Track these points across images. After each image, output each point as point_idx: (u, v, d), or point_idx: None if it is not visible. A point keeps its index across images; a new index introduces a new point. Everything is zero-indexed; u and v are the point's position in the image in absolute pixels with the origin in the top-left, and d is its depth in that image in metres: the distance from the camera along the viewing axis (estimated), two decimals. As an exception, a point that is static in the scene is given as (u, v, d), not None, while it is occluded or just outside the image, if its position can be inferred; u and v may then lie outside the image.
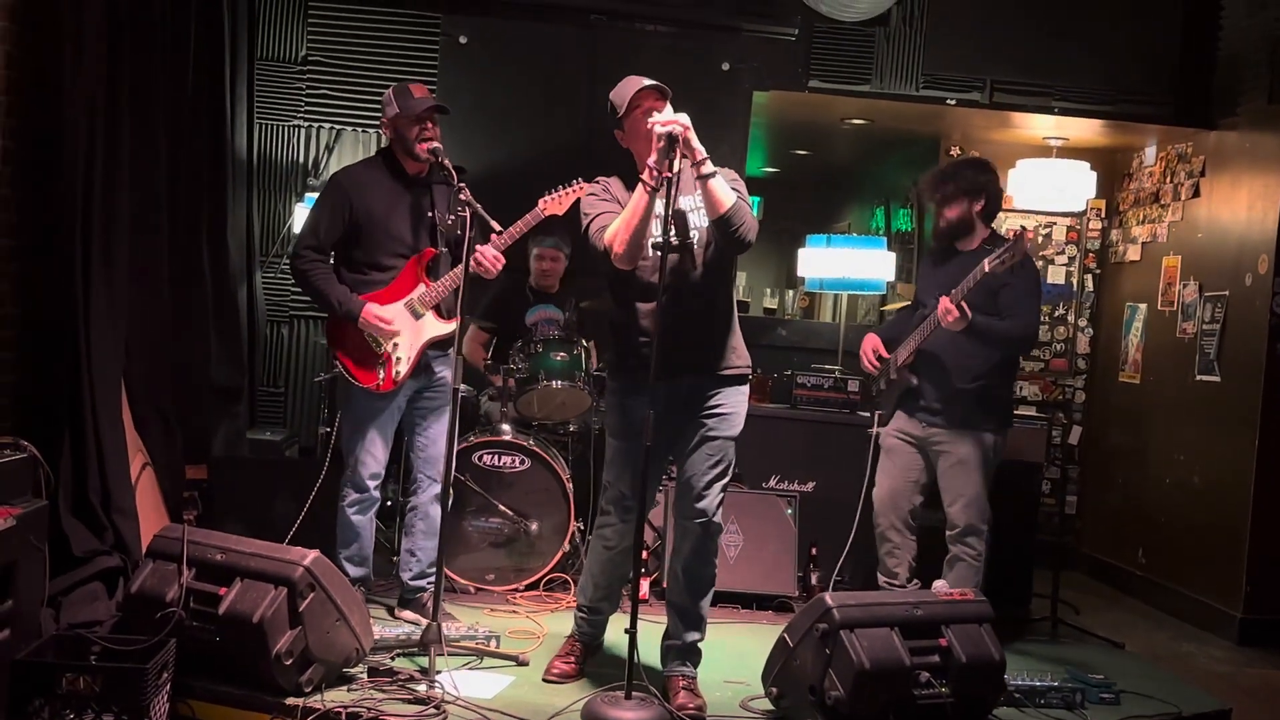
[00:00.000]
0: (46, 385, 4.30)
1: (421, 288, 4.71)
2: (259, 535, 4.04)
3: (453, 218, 4.40)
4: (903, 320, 5.24)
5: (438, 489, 4.78)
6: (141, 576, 3.89)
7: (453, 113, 6.57)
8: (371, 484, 4.78)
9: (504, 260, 4.66)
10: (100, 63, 4.35)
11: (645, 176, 3.81)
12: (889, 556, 5.06)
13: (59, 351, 4.28)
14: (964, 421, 4.86)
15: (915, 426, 4.99)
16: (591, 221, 4.05)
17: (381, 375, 4.67)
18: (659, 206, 3.82)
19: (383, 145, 4.98)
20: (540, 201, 4.71)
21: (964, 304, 4.64)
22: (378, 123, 6.60)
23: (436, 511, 4.79)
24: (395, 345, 4.67)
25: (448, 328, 4.71)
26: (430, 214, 4.73)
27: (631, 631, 3.76)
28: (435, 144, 4.59)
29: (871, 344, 5.14)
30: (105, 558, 4.24)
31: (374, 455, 4.76)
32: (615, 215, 3.96)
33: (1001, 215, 7.60)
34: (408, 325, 4.69)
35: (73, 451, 4.26)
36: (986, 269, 4.55)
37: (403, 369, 4.68)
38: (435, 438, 4.83)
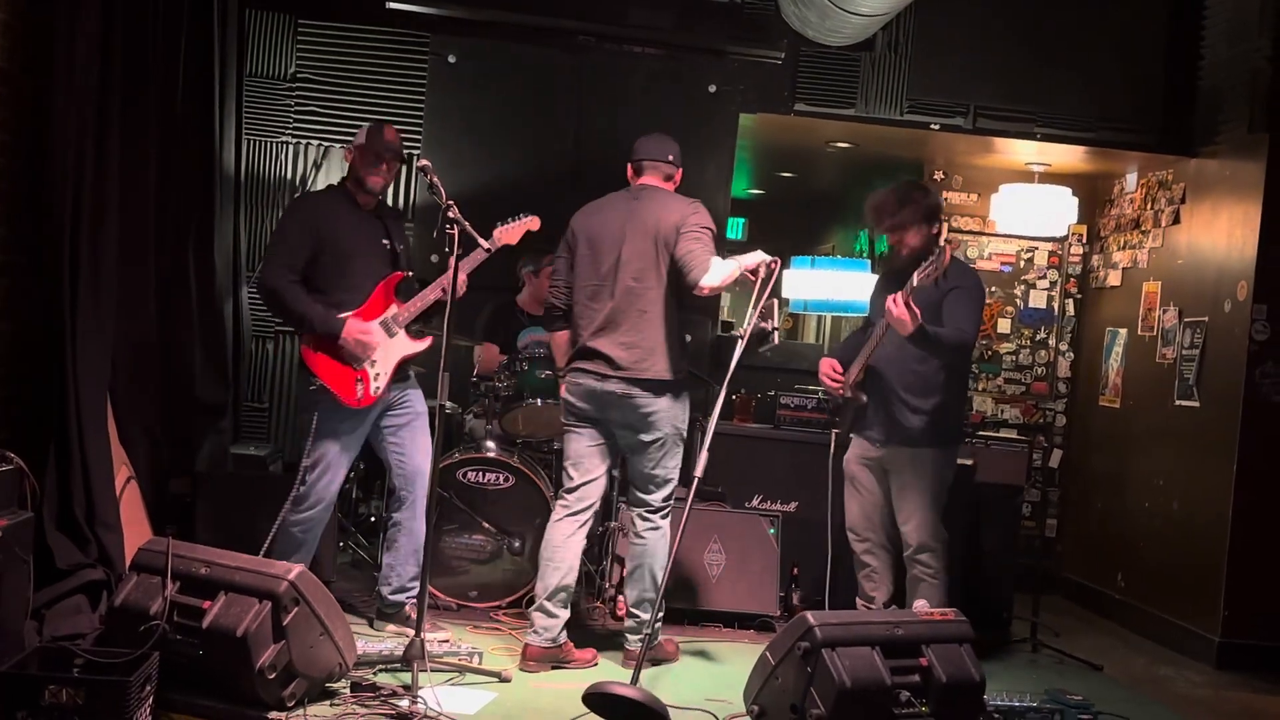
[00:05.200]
0: (33, 399, 4.31)
1: (394, 308, 4.84)
2: (242, 550, 4.05)
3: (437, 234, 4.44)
4: (855, 341, 5.31)
5: (420, 504, 4.91)
6: (125, 589, 3.89)
7: (440, 132, 6.65)
8: (325, 503, 4.82)
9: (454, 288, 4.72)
10: (92, 78, 4.36)
11: (751, 268, 4.48)
12: (866, 580, 5.09)
13: (46, 365, 4.29)
14: (913, 440, 4.91)
15: (870, 449, 5.05)
16: (712, 243, 4.65)
17: (360, 391, 4.75)
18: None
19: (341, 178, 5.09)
20: (495, 232, 4.90)
21: (912, 304, 4.66)
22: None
23: (417, 526, 4.92)
24: (373, 362, 4.77)
25: (418, 347, 4.90)
26: (386, 242, 4.93)
27: (650, 632, 4.16)
28: (425, 161, 4.66)
29: (829, 364, 5.19)
30: (89, 571, 4.24)
31: (333, 476, 4.81)
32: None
33: (984, 240, 7.69)
34: (383, 342, 4.80)
35: (57, 465, 4.26)
36: (915, 283, 4.63)
37: (381, 383, 4.79)
38: (411, 453, 4.93)
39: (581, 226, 4.83)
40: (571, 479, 4.79)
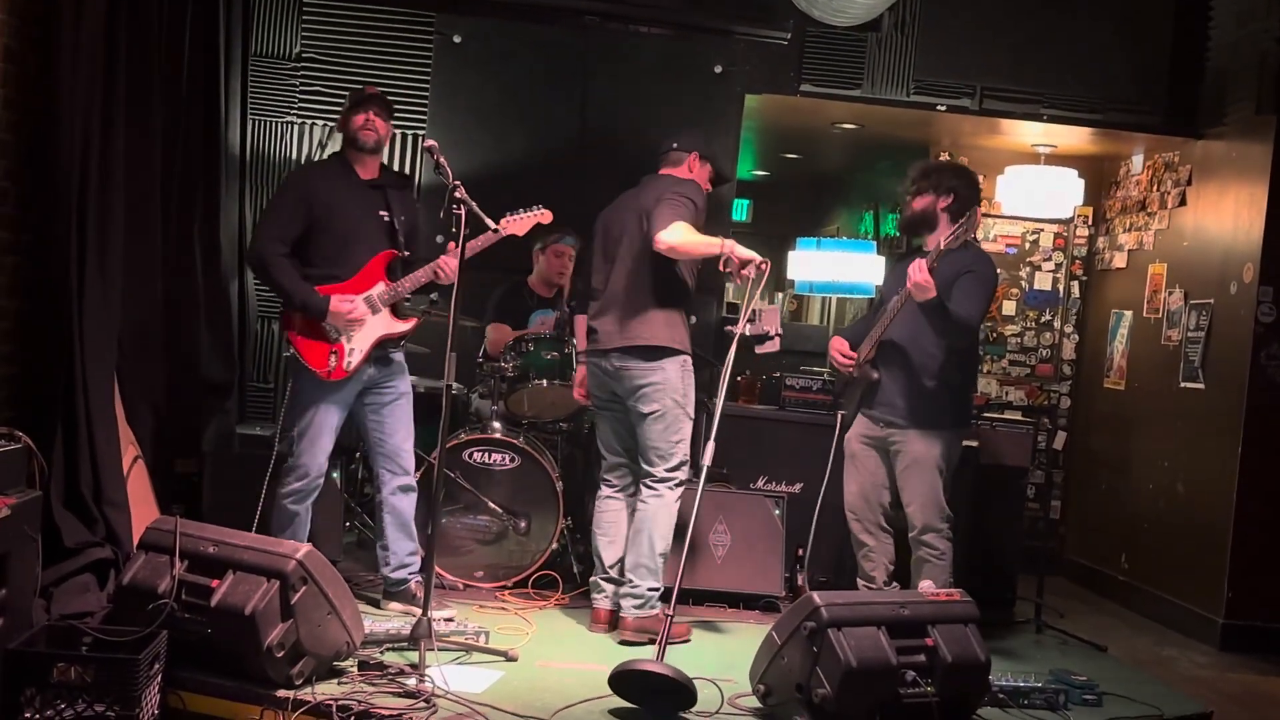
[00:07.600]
0: (40, 378, 4.32)
1: (381, 285, 4.79)
2: (248, 529, 4.06)
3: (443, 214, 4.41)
4: (865, 320, 5.29)
5: (400, 481, 4.93)
6: (134, 568, 3.89)
7: (446, 112, 6.63)
8: (314, 474, 4.79)
9: (457, 273, 4.59)
10: (98, 56, 4.36)
11: (742, 260, 4.53)
12: (865, 560, 5.09)
13: (53, 344, 4.29)
14: (920, 420, 4.89)
15: (873, 428, 5.03)
16: (688, 211, 4.68)
17: (332, 363, 4.72)
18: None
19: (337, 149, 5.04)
20: (501, 222, 4.77)
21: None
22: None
23: (401, 503, 4.94)
24: (350, 337, 4.74)
25: (402, 326, 4.85)
26: (385, 215, 4.85)
27: (671, 614, 4.19)
28: (431, 142, 4.63)
29: (838, 344, 5.18)
30: (96, 549, 4.25)
31: (319, 445, 4.79)
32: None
33: (989, 222, 7.67)
34: (364, 318, 4.76)
35: (65, 444, 4.28)
36: (943, 245, 4.62)
37: (354, 360, 4.74)
38: (392, 431, 4.91)
39: (600, 220, 5.03)
40: (605, 460, 5.05)
